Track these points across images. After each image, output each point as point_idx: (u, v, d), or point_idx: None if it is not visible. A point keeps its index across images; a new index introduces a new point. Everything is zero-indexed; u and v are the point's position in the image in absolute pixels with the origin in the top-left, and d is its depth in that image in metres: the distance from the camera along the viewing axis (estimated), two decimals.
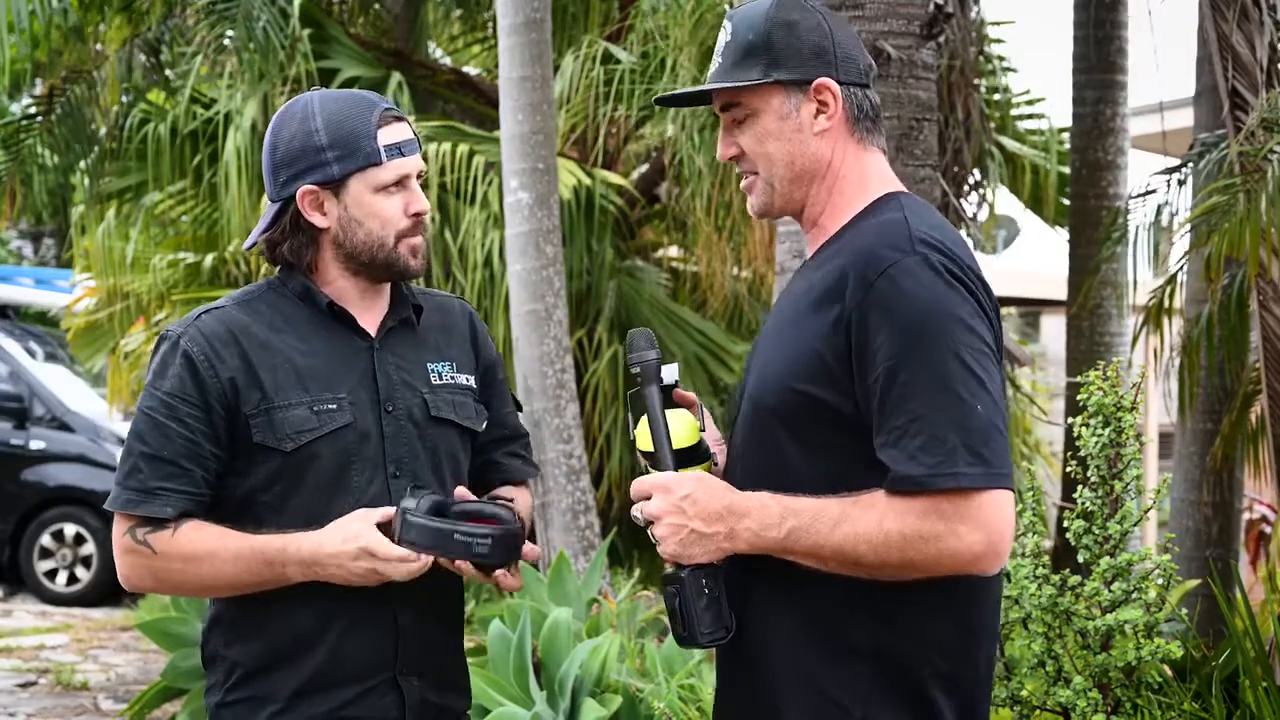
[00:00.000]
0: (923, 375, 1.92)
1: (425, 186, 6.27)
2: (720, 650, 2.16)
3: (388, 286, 2.49)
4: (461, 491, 2.41)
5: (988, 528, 1.91)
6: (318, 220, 2.38)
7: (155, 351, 2.38)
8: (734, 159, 2.16)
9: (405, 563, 2.23)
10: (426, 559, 2.24)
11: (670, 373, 2.20)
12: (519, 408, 2.67)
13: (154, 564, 2.31)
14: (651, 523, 2.04)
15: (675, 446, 2.10)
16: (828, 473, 2.01)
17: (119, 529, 2.33)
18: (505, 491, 2.57)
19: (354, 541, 2.23)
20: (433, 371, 2.46)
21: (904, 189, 2.16)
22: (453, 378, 2.48)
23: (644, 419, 2.15)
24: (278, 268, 2.47)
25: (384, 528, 2.27)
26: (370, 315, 2.45)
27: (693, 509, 2.02)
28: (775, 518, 1.98)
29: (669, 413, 2.16)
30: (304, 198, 2.37)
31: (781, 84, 2.10)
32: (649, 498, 2.05)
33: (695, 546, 2.02)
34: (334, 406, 2.35)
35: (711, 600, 2.05)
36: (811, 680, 2.03)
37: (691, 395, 2.26)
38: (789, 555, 1.99)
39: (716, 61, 2.16)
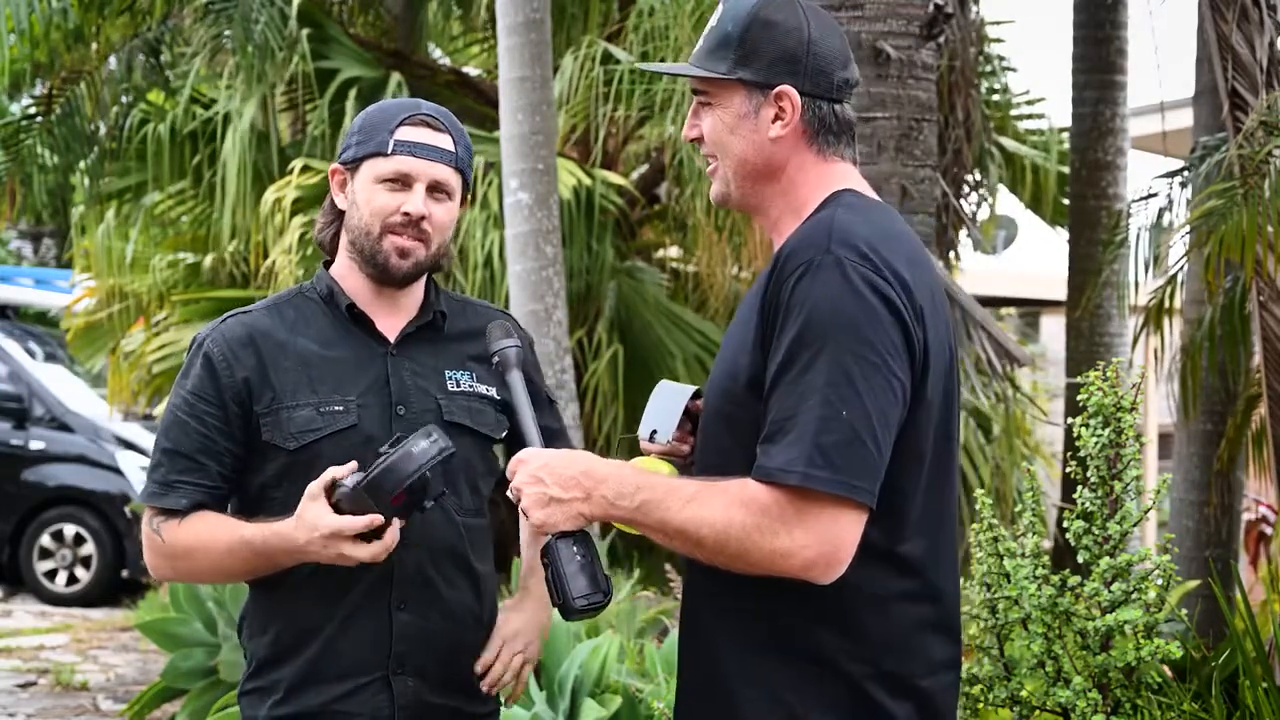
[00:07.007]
0: (802, 377, 1.92)
1: None
2: (680, 655, 2.17)
3: (415, 292, 2.52)
4: None
5: (822, 536, 1.90)
6: (340, 202, 2.51)
7: (187, 353, 2.52)
8: (695, 141, 2.16)
9: (362, 545, 2.25)
10: (370, 520, 2.24)
11: (673, 400, 2.23)
12: (552, 402, 2.68)
13: (166, 552, 2.43)
14: (520, 500, 2.07)
15: None
16: None
17: (144, 520, 2.47)
18: None
19: (317, 530, 2.28)
20: (450, 379, 2.51)
21: (861, 188, 2.12)
22: (471, 386, 2.52)
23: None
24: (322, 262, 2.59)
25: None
26: (393, 320, 2.50)
27: (550, 476, 2.05)
28: (630, 488, 2.00)
29: (651, 462, 2.17)
30: (334, 175, 2.53)
31: (745, 83, 2.09)
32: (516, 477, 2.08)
33: (557, 513, 2.04)
34: (340, 408, 2.41)
35: (584, 565, 2.07)
36: (760, 683, 2.03)
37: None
38: (638, 528, 2.00)
39: (700, 40, 2.16)
